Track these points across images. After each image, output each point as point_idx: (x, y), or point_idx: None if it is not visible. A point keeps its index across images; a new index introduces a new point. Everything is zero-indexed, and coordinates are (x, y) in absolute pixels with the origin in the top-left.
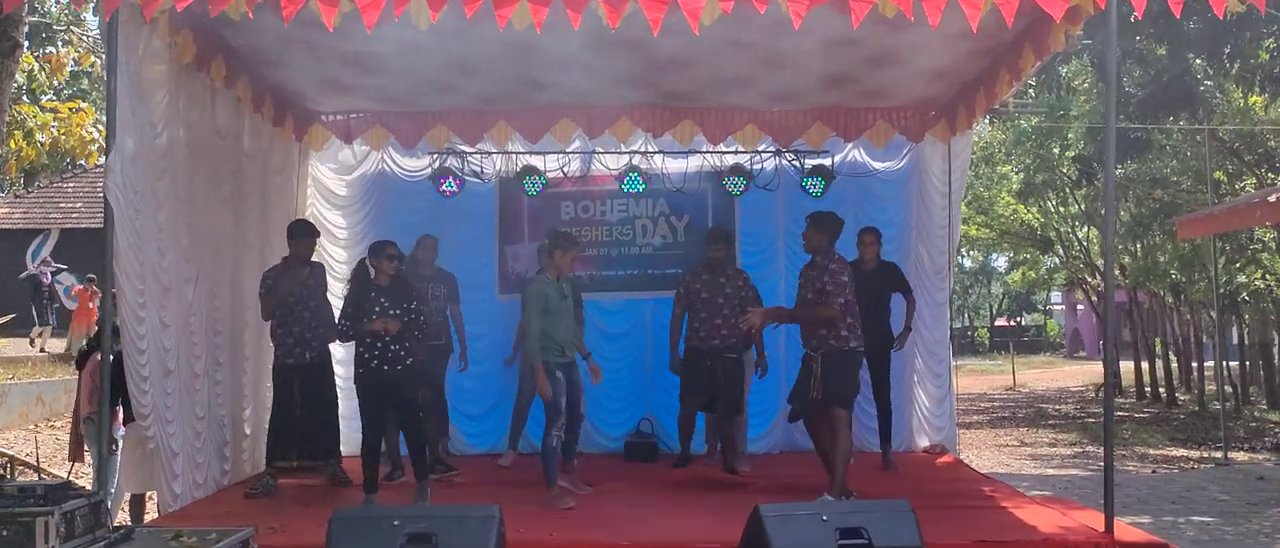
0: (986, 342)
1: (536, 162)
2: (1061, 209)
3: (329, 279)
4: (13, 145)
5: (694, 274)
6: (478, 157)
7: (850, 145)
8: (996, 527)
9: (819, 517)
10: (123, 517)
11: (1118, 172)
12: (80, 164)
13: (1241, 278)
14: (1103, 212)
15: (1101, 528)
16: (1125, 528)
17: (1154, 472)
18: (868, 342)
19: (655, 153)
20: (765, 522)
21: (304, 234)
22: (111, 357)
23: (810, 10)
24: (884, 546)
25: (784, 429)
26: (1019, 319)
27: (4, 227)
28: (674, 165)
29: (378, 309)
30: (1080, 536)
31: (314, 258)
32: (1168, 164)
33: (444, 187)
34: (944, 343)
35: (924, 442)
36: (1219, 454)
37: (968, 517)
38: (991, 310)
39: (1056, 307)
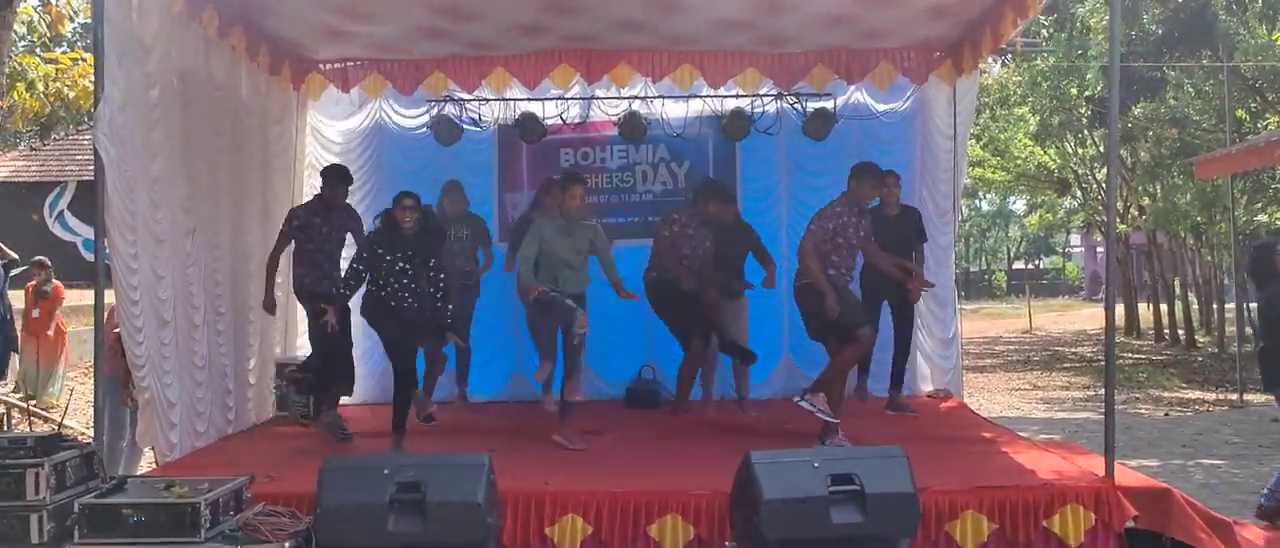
0: (1004, 285)
1: (535, 108)
2: (1079, 151)
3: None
4: (15, 97)
5: (690, 219)
6: (476, 104)
7: (853, 88)
8: (995, 472)
9: (810, 463)
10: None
11: (1136, 111)
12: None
13: (1262, 217)
14: (1118, 153)
15: (1102, 473)
16: (1126, 472)
17: (1167, 415)
18: (891, 287)
19: (655, 98)
20: (756, 468)
21: (333, 178)
22: None
23: None
24: (876, 492)
25: (787, 374)
26: (1037, 262)
27: (22, 179)
28: (674, 110)
29: (400, 257)
30: (1079, 480)
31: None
32: (1190, 103)
33: None
34: (949, 286)
35: (928, 387)
36: (1235, 396)
37: (966, 462)
38: (1009, 254)
39: (1076, 249)
